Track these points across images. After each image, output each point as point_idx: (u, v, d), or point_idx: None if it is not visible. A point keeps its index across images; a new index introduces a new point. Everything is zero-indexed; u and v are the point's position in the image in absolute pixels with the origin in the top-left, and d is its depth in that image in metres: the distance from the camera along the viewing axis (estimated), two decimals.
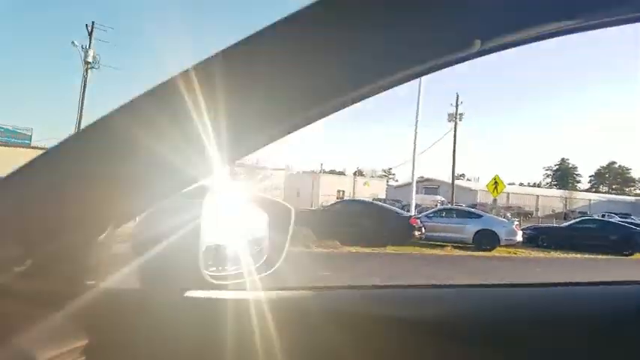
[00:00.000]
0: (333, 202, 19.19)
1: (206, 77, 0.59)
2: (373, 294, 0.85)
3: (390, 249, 13.99)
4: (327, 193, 36.01)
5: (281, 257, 1.00)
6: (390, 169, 75.82)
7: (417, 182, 22.85)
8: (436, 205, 23.94)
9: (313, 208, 22.51)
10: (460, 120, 28.42)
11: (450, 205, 22.13)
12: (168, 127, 0.64)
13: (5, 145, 29.62)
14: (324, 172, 50.93)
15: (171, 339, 0.77)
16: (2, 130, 32.74)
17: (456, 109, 28.38)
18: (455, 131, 28.09)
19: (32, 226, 0.70)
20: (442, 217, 16.76)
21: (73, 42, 25.94)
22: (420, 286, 0.87)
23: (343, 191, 39.63)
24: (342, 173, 60.11)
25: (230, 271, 0.92)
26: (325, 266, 9.74)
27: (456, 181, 31.04)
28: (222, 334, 0.75)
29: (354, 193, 39.70)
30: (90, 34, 25.91)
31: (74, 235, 0.71)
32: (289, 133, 0.64)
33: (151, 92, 0.63)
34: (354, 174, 57.37)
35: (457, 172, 33.63)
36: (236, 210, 1.01)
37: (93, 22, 25.95)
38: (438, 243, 15.51)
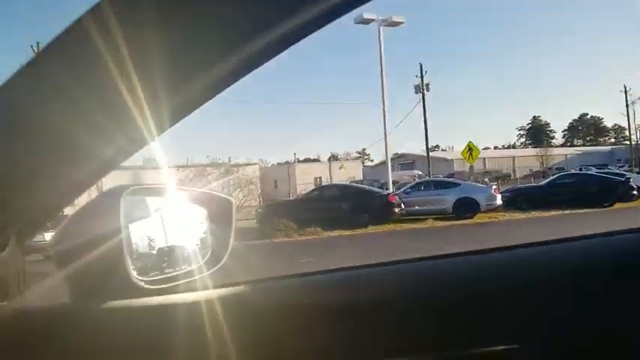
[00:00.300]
0: (310, 189, 18.88)
1: (118, 16, 0.48)
2: (321, 279, 0.82)
3: (371, 229, 13.96)
4: (304, 181, 35.81)
5: (226, 252, 0.92)
6: (364, 149, 75.85)
7: (392, 159, 22.72)
8: (413, 180, 23.82)
9: (291, 198, 22.25)
10: (427, 90, 28.23)
11: (427, 178, 22.01)
12: (76, 91, 0.52)
13: None
14: (299, 161, 50.78)
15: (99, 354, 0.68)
16: None
17: (422, 79, 28.13)
18: (423, 103, 27.90)
19: None
20: (420, 190, 16.63)
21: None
22: (371, 265, 0.83)
23: (320, 177, 39.53)
24: (316, 160, 60.06)
25: (174, 272, 0.86)
26: (308, 253, 9.91)
27: (431, 153, 31.00)
28: (165, 339, 0.68)
29: (330, 178, 39.56)
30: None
31: None
32: (230, 80, 0.55)
33: (48, 49, 0.52)
34: (329, 159, 57.50)
35: (431, 143, 33.51)
36: (172, 208, 0.95)
37: (38, 42, 24.53)
38: (419, 217, 15.37)
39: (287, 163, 47.66)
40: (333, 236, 13.10)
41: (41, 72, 0.53)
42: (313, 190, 17.47)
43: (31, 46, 24.47)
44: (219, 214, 0.96)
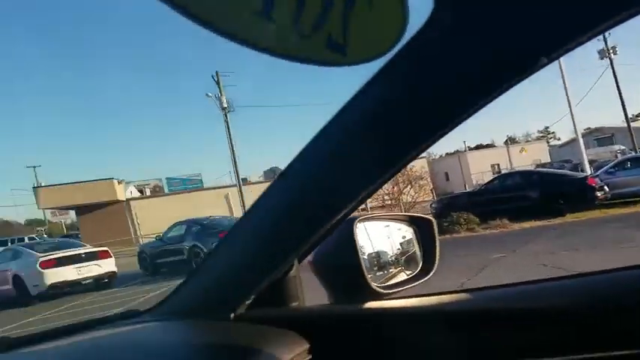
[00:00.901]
0: (488, 179, 17.85)
1: None
2: (535, 288, 0.87)
3: (569, 217, 12.62)
4: (480, 170, 33.92)
5: (435, 265, 1.14)
6: (547, 127, 67.88)
7: (584, 135, 20.07)
8: (616, 157, 20.55)
9: (468, 190, 21.35)
10: (615, 54, 24.17)
11: (634, 153, 18.75)
12: None
13: (185, 192, 35.14)
14: (470, 148, 48.01)
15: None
16: (179, 180, 39.19)
17: (605, 42, 24.14)
18: (612, 67, 23.96)
19: (256, 262, 0.89)
20: (628, 168, 14.39)
21: (206, 94, 28.49)
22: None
23: (498, 164, 36.82)
24: (490, 145, 55.82)
25: (395, 280, 1.09)
26: (497, 248, 9.36)
27: (633, 123, 26.35)
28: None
29: (510, 164, 36.52)
30: (217, 83, 28.24)
31: (283, 267, 0.89)
32: None
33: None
34: (506, 143, 53.02)
35: (630, 112, 28.44)
36: (387, 229, 1.17)
37: (217, 72, 28.13)
38: (629, 200, 13.28)
39: (457, 152, 45.58)
40: (524, 227, 12.17)
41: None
42: (493, 180, 16.53)
43: (212, 76, 28.41)
44: (424, 232, 1.19)
